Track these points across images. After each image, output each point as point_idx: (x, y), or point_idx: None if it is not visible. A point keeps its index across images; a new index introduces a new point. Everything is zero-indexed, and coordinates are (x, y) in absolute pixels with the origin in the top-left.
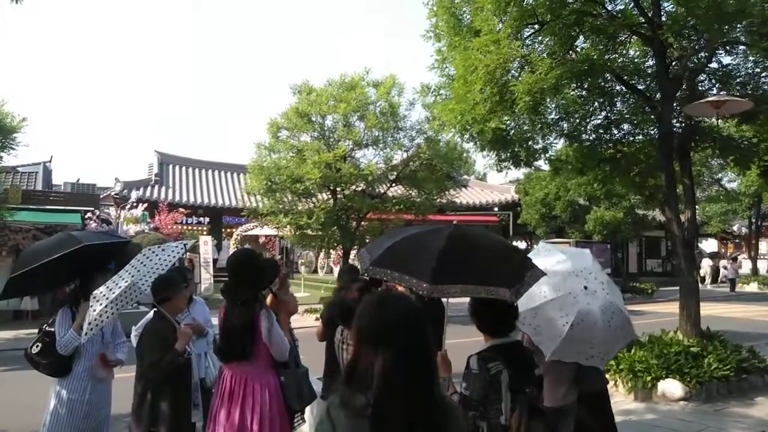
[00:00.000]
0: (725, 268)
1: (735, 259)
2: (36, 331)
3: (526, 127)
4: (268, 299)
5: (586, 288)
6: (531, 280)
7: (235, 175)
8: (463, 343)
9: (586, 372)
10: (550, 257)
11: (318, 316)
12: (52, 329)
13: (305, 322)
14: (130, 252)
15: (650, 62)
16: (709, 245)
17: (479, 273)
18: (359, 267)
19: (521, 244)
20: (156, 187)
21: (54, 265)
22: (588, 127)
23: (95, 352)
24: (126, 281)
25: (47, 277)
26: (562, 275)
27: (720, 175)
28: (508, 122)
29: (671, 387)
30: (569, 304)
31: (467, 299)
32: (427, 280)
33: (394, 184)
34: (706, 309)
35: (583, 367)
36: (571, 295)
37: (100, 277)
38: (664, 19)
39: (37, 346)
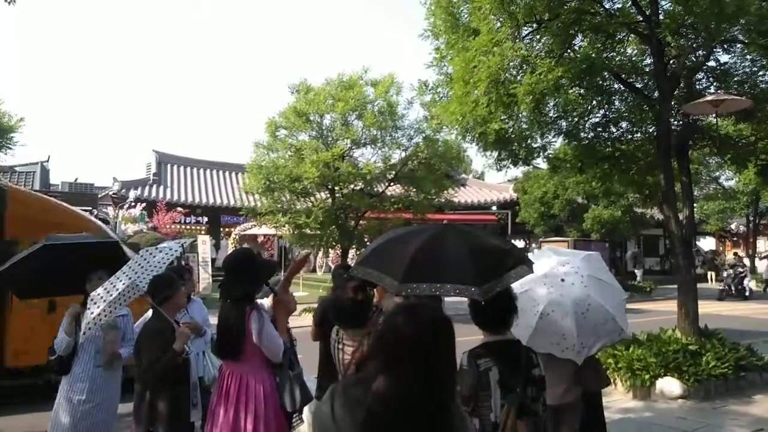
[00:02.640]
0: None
1: None
2: None
3: (524, 126)
4: (270, 298)
5: (563, 280)
6: (509, 279)
7: (233, 174)
8: (462, 341)
9: (588, 372)
10: (542, 257)
11: None
12: None
13: (303, 322)
14: (120, 252)
15: (648, 61)
16: (707, 243)
17: (449, 272)
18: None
19: (519, 243)
20: (154, 186)
21: (35, 267)
22: (586, 126)
23: (94, 353)
24: (123, 283)
25: (36, 281)
26: (542, 270)
27: (718, 173)
28: (508, 122)
29: (670, 385)
30: (541, 295)
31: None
32: (398, 279)
33: (392, 183)
34: (704, 307)
35: (585, 367)
36: (545, 287)
37: (96, 278)
38: (662, 17)
39: (51, 345)
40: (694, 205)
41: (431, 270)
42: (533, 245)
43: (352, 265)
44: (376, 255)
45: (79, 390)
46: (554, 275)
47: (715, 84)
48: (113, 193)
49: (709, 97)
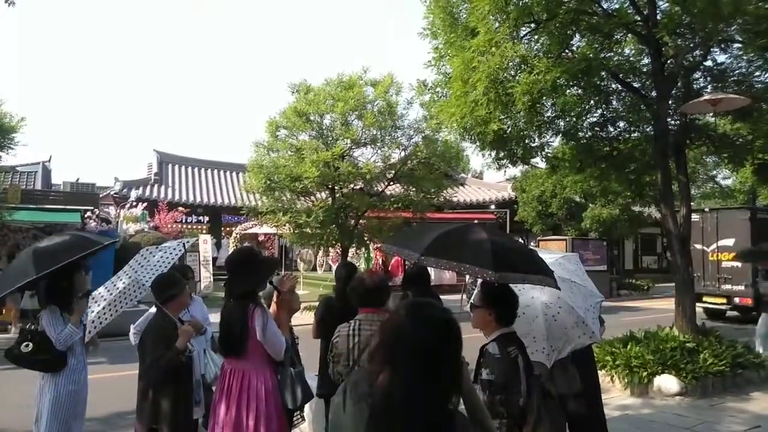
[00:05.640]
0: None
1: None
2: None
3: (522, 125)
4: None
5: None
6: (552, 272)
7: (234, 174)
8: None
9: (558, 373)
10: None
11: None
12: (37, 328)
13: (304, 320)
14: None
15: (646, 60)
16: None
17: (528, 263)
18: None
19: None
20: (155, 186)
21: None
22: (584, 125)
23: (81, 345)
24: (124, 282)
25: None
26: None
27: (715, 172)
28: (506, 121)
29: (667, 382)
30: None
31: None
32: (491, 268)
33: (392, 183)
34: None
35: (554, 369)
36: (516, 288)
37: (79, 275)
38: (659, 17)
39: (28, 346)
40: (691, 203)
41: (516, 261)
42: (531, 243)
43: (411, 256)
44: (445, 246)
45: (75, 381)
46: None
47: (712, 84)
48: (115, 193)
49: (707, 96)
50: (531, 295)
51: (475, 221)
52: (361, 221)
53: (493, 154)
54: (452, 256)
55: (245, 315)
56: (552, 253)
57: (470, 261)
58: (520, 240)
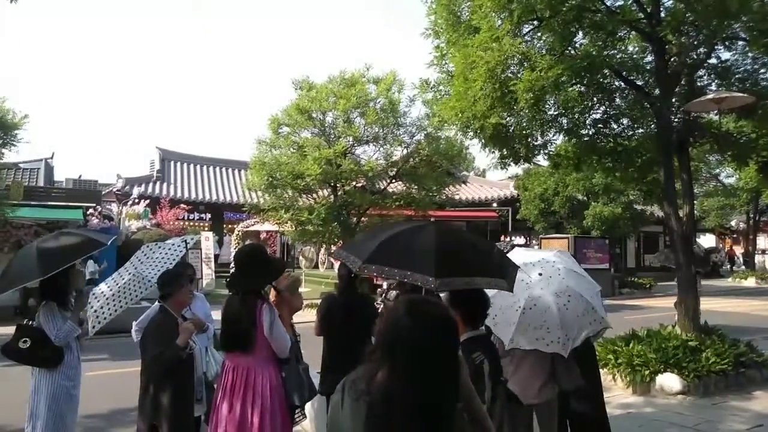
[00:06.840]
0: None
1: None
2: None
3: (525, 123)
4: (272, 295)
5: (540, 274)
6: (513, 273)
7: (236, 171)
8: None
9: (561, 369)
10: (516, 255)
11: None
12: (34, 324)
13: (306, 317)
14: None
15: (649, 58)
16: (706, 240)
17: (478, 266)
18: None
19: (520, 240)
20: (158, 183)
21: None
22: (587, 123)
23: (77, 340)
24: (124, 278)
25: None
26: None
27: (718, 170)
28: (508, 118)
29: (669, 381)
30: (521, 289)
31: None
32: (432, 274)
33: (394, 180)
34: (704, 304)
35: (557, 365)
36: (523, 282)
37: (74, 272)
38: (663, 15)
39: (26, 342)
40: (694, 201)
41: (461, 264)
42: (534, 242)
43: (353, 265)
44: (388, 252)
45: (70, 376)
46: (530, 270)
47: (716, 81)
48: (117, 190)
49: (712, 95)
50: (539, 287)
51: (453, 220)
52: (363, 219)
53: (497, 152)
54: (395, 263)
55: (254, 309)
56: (548, 250)
57: (413, 267)
58: (519, 239)
